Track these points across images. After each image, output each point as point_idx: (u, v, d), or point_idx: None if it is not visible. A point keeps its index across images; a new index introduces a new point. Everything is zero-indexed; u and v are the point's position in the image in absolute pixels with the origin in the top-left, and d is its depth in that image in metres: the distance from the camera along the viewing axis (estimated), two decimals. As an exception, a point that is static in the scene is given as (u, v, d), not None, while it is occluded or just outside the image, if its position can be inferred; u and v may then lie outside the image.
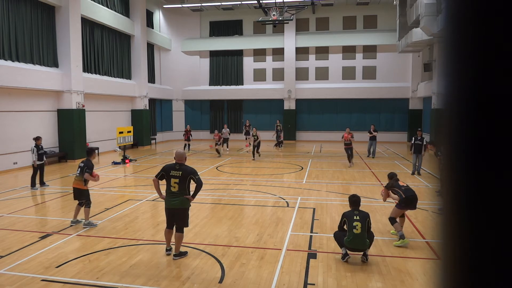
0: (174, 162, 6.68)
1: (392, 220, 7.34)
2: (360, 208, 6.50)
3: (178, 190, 6.45)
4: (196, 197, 6.62)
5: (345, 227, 6.39)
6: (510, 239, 0.57)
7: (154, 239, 7.56)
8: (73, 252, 6.87)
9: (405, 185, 7.54)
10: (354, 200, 6.52)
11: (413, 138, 14.83)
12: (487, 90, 0.59)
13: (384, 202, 9.23)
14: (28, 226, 8.46)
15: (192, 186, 6.53)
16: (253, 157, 19.09)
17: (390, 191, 7.60)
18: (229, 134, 23.63)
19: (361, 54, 29.69)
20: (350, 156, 16.88)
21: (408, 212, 8.49)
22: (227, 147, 23.09)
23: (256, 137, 18.92)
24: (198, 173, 6.61)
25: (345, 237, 6.31)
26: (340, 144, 26.76)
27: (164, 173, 6.56)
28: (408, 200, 7.21)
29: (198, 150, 23.61)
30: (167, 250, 6.73)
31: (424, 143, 14.46)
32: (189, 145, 22.13)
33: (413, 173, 14.81)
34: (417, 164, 14.73)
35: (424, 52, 25.50)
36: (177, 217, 6.53)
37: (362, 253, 6.34)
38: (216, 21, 31.58)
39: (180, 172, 6.46)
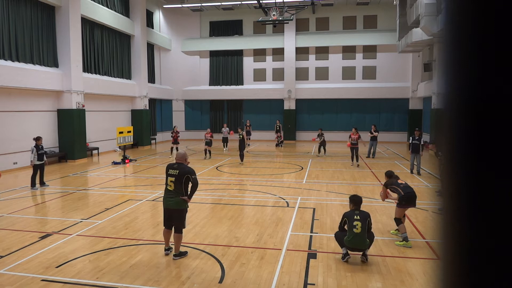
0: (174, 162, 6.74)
1: (397, 220, 7.32)
2: (361, 208, 6.50)
3: (174, 189, 6.49)
4: (192, 198, 6.61)
5: (345, 227, 6.39)
6: (510, 239, 0.57)
7: (154, 239, 7.56)
8: (73, 252, 6.87)
9: (404, 182, 7.54)
10: (355, 200, 6.52)
11: (411, 138, 14.93)
12: (487, 90, 0.59)
13: (384, 202, 9.24)
14: (28, 226, 8.46)
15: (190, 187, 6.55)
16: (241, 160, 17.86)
17: (389, 190, 7.59)
18: (229, 134, 22.87)
19: (361, 54, 29.68)
20: (355, 157, 16.90)
21: (408, 212, 8.50)
22: (226, 147, 22.99)
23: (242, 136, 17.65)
24: (196, 174, 6.61)
25: (345, 237, 6.31)
26: (339, 144, 27.06)
27: (166, 171, 6.65)
28: (407, 197, 7.19)
29: (199, 150, 23.60)
30: (166, 250, 6.73)
31: (422, 142, 14.56)
32: (177, 148, 20.09)
33: (411, 171, 14.91)
34: (415, 164, 14.80)
35: (424, 52, 25.50)
36: (173, 218, 6.55)
37: (361, 253, 6.34)
38: (216, 21, 31.58)
39: (177, 171, 6.48)
